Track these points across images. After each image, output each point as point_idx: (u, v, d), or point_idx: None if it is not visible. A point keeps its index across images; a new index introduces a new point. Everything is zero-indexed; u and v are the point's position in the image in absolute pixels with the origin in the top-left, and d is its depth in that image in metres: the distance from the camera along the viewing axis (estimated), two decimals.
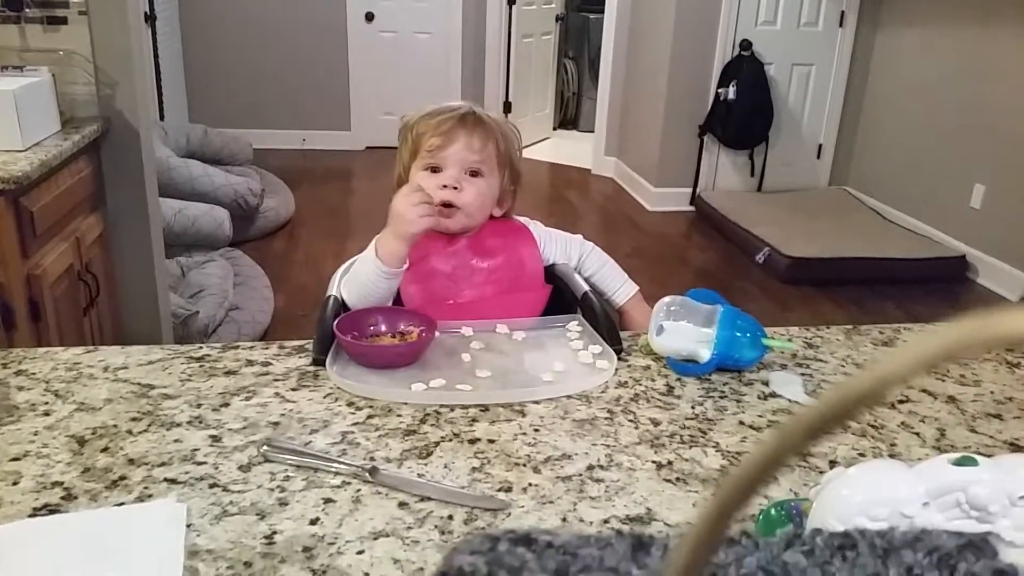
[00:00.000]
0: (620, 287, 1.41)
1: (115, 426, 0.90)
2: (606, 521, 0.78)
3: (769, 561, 0.47)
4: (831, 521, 0.66)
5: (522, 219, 1.43)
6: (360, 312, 1.17)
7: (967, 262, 4.20)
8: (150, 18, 4.92)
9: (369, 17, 6.18)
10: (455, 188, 1.28)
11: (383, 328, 1.15)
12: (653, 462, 0.87)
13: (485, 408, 0.97)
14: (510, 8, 6.27)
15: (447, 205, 1.28)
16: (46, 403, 0.94)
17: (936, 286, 4.08)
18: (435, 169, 1.30)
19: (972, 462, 0.66)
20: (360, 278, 1.22)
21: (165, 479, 0.81)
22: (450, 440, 0.90)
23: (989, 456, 0.69)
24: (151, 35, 4.97)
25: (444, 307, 1.26)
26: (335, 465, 0.84)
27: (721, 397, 1.02)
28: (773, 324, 1.18)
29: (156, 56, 5.06)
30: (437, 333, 1.13)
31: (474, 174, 1.30)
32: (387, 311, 1.18)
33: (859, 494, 0.67)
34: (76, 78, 2.38)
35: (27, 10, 2.31)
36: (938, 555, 0.47)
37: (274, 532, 0.74)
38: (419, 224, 1.20)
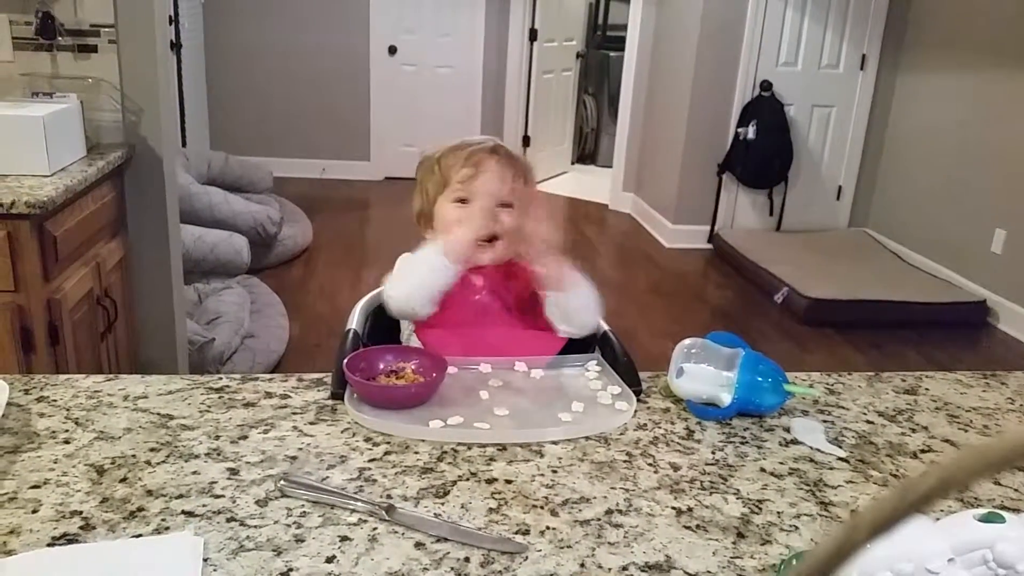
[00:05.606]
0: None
1: (134, 456, 0.90)
2: (624, 568, 0.77)
3: None
4: (854, 575, 0.65)
5: None
6: (371, 350, 1.15)
7: (988, 307, 4.17)
8: (175, 46, 4.99)
9: (392, 50, 6.26)
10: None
11: (392, 367, 1.14)
12: (673, 508, 0.86)
13: (503, 447, 0.97)
14: (531, 44, 6.34)
15: (489, 240, 1.27)
16: (66, 431, 0.95)
17: (957, 331, 4.05)
18: (464, 201, 1.29)
19: (999, 519, 0.65)
20: (418, 271, 1.24)
21: (183, 511, 0.81)
22: (467, 479, 0.90)
23: (1015, 510, 0.68)
24: (176, 63, 5.04)
25: (464, 341, 1.24)
26: (352, 502, 0.83)
27: (742, 443, 1.01)
28: (791, 365, 1.17)
29: (180, 83, 5.13)
30: (455, 369, 1.12)
31: (502, 206, 1.29)
32: (398, 350, 1.17)
33: (883, 547, 0.66)
34: (103, 105, 2.42)
35: (59, 38, 2.36)
36: None
37: (290, 569, 0.74)
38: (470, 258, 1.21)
